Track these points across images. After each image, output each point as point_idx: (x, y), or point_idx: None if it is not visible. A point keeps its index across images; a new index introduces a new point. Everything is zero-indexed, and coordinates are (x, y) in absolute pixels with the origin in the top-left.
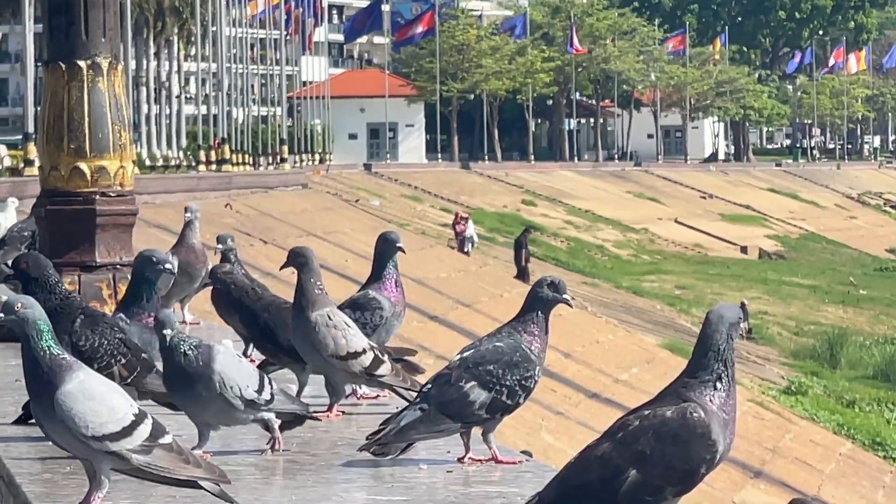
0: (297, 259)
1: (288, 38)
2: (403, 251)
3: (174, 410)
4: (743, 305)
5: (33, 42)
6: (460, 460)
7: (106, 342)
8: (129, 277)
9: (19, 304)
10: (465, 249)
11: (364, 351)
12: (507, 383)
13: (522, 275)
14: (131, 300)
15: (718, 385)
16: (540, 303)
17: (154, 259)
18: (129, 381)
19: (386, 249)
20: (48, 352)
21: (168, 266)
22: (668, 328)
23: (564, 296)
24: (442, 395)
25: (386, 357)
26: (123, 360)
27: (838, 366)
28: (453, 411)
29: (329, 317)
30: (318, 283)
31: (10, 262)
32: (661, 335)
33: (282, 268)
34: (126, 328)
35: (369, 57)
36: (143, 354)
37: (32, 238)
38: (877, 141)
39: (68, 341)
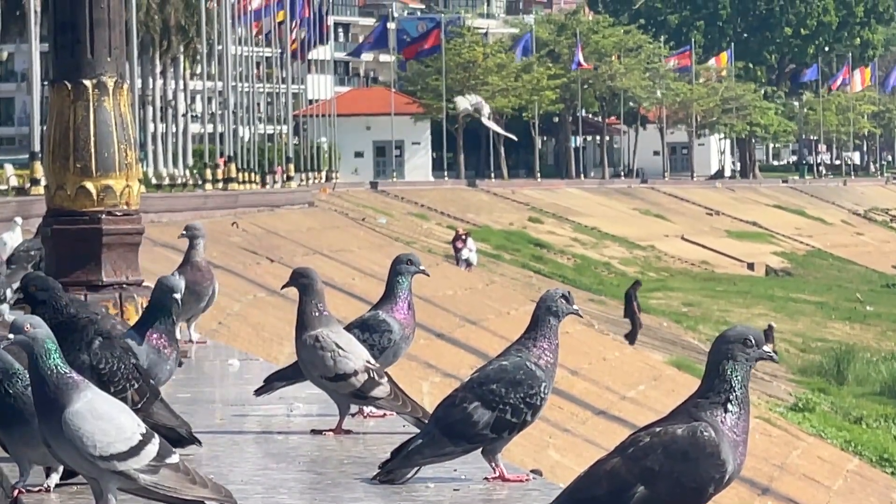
0: (300, 280)
1: (294, 57)
2: (427, 274)
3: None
4: (770, 328)
5: (39, 61)
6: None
7: (123, 366)
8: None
9: (28, 325)
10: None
11: (355, 373)
12: (511, 401)
13: (633, 335)
14: (145, 321)
15: (729, 406)
16: (553, 315)
17: (166, 286)
18: (139, 406)
19: (401, 271)
20: (55, 370)
21: (175, 295)
22: (675, 345)
23: (574, 307)
24: (446, 416)
25: (384, 379)
26: (136, 385)
27: (845, 382)
28: (458, 432)
29: (318, 339)
30: (319, 304)
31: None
32: (668, 352)
33: (283, 287)
34: (135, 347)
35: (375, 75)
36: (151, 380)
37: (39, 258)
38: (884, 157)
39: (87, 361)
